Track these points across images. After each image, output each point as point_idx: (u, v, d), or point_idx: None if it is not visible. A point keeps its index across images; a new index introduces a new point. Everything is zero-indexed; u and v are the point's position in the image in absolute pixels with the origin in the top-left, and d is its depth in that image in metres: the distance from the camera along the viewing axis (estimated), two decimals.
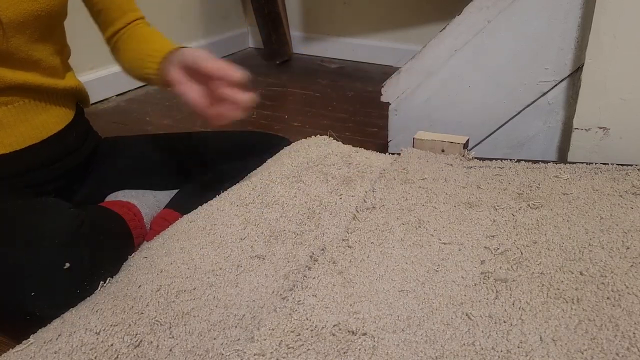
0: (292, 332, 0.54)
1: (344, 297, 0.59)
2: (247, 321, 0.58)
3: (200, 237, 0.73)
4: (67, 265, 0.68)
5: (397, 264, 0.65)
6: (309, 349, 0.52)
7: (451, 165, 0.91)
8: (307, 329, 0.55)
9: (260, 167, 0.91)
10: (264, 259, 0.70)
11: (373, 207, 0.78)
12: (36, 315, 0.68)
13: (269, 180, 0.84)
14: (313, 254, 0.69)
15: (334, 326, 0.55)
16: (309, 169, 0.87)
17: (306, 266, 0.66)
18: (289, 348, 0.52)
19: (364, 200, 0.80)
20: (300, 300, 0.58)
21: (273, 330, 0.54)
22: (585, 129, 0.98)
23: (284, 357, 0.52)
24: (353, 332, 0.54)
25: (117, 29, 0.94)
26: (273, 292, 0.64)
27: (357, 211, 0.78)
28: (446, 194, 0.80)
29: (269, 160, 0.92)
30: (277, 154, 0.95)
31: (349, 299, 0.59)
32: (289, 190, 0.82)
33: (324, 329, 0.54)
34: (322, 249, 0.69)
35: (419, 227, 0.72)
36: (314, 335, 0.54)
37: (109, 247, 0.74)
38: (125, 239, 0.82)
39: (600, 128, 0.97)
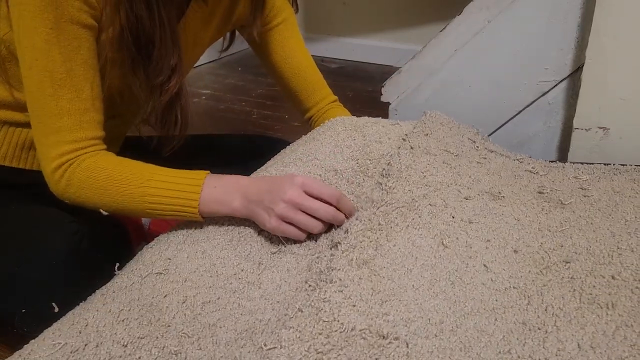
0: (321, 334, 0.52)
1: (372, 294, 0.57)
2: (273, 325, 0.57)
3: (218, 236, 0.72)
4: (61, 285, 0.69)
5: (426, 258, 0.63)
6: (339, 354, 0.51)
7: (474, 142, 0.89)
8: (336, 330, 0.53)
9: (275, 157, 0.89)
10: (284, 250, 0.68)
11: (399, 175, 0.75)
12: (23, 331, 0.68)
13: (283, 165, 0.82)
14: (332, 236, 0.67)
15: (363, 329, 0.53)
16: (323, 146, 0.85)
17: (330, 254, 0.63)
18: (318, 353, 0.51)
19: (389, 163, 0.78)
20: (325, 298, 0.56)
21: (301, 332, 0.53)
22: (585, 129, 0.99)
23: None
24: (384, 337, 0.52)
25: (311, 115, 1.02)
26: (297, 288, 0.62)
27: (383, 176, 0.76)
28: (470, 177, 0.78)
29: (282, 151, 0.91)
30: (291, 144, 0.93)
31: (377, 296, 0.57)
32: (303, 169, 0.80)
33: (353, 331, 0.53)
34: (346, 231, 0.67)
35: (445, 212, 0.70)
36: (344, 339, 0.52)
37: (106, 260, 0.73)
38: (123, 248, 0.82)
39: (600, 128, 0.98)
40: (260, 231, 0.72)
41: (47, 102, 0.67)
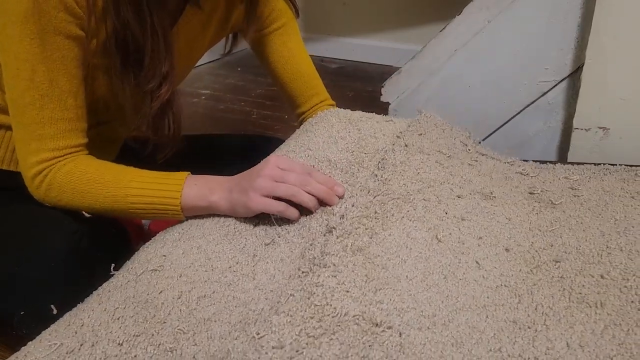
0: (312, 318, 0.51)
1: (366, 281, 0.57)
2: (266, 314, 0.57)
3: (214, 231, 0.72)
4: (60, 286, 0.68)
5: (420, 251, 0.63)
6: (331, 339, 0.50)
7: (465, 145, 0.90)
8: (328, 315, 0.52)
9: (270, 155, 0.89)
10: (278, 241, 0.68)
11: (394, 169, 0.75)
12: (22, 332, 0.67)
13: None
14: (327, 221, 0.67)
15: (356, 315, 0.52)
16: (317, 137, 0.84)
17: (324, 239, 0.63)
18: (309, 337, 0.50)
19: (384, 158, 0.78)
20: (318, 282, 0.55)
21: (292, 317, 0.52)
22: (585, 129, 0.98)
23: (304, 348, 0.49)
24: (377, 324, 0.52)
25: (302, 111, 1.01)
26: (290, 276, 0.62)
27: (378, 168, 0.76)
28: (462, 177, 0.79)
29: (278, 148, 0.91)
30: (286, 140, 0.93)
31: (371, 283, 0.57)
32: (296, 159, 0.79)
33: (346, 316, 0.52)
34: (342, 217, 0.67)
35: (439, 208, 0.70)
36: (336, 324, 0.51)
37: (106, 261, 0.73)
38: (123, 248, 0.82)
39: (600, 128, 0.98)
40: (256, 224, 0.72)
41: (30, 110, 0.67)
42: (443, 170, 0.79)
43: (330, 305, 0.53)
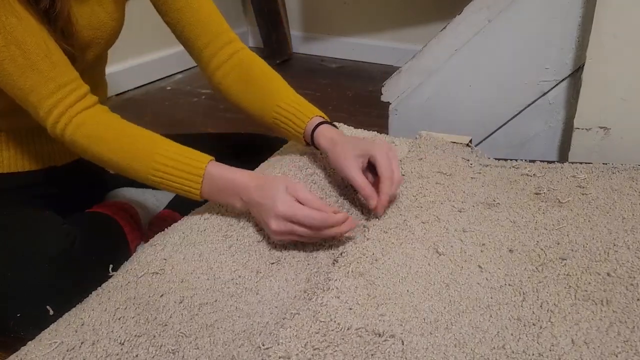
0: (317, 333, 0.54)
1: (368, 299, 0.59)
2: (271, 327, 0.58)
3: (216, 241, 0.72)
4: (56, 288, 0.68)
5: (420, 267, 0.64)
6: (335, 351, 0.52)
7: (467, 160, 0.90)
8: (332, 330, 0.54)
9: (271, 160, 0.88)
10: (283, 262, 0.69)
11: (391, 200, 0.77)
12: (20, 335, 0.67)
13: (283, 174, 0.81)
14: (333, 254, 0.68)
15: (359, 328, 0.54)
16: (322, 159, 0.85)
17: (327, 271, 0.65)
18: (315, 349, 0.52)
19: None
20: (323, 303, 0.58)
21: (298, 331, 0.54)
22: (586, 129, 0.98)
23: (309, 359, 0.51)
24: (379, 334, 0.53)
25: (219, 62, 0.86)
26: (295, 297, 0.63)
27: None
28: (464, 192, 0.80)
29: (277, 152, 0.90)
30: (285, 145, 0.93)
31: (373, 300, 0.59)
32: (304, 183, 0.80)
33: (349, 330, 0.54)
34: (342, 253, 0.69)
35: (438, 226, 0.72)
36: (340, 337, 0.53)
37: (102, 262, 0.72)
38: (120, 248, 0.82)
39: (601, 128, 0.97)
40: (259, 241, 0.72)
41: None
42: (443, 190, 0.80)
43: (334, 321, 0.55)
